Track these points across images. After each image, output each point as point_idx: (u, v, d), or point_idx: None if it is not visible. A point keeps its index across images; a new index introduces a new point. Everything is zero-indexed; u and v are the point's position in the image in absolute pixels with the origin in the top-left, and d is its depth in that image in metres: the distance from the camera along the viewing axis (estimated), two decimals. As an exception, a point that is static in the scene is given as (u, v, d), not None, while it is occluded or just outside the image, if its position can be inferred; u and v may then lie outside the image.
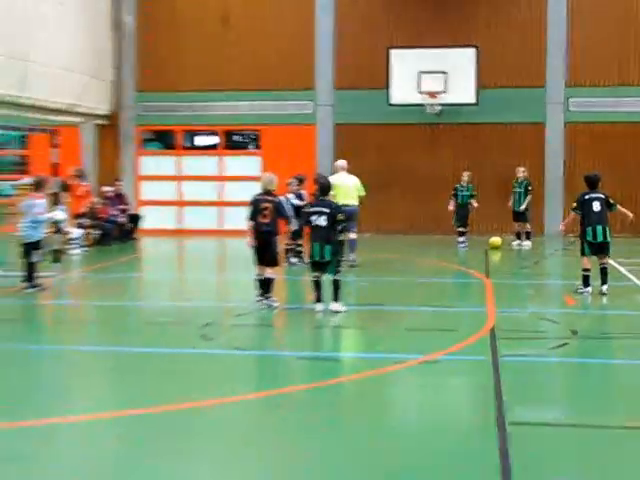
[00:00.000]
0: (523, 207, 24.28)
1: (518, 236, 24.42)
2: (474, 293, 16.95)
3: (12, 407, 9.08)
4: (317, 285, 14.34)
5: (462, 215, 24.91)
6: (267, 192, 15.09)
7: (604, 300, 15.49)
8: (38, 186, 17.27)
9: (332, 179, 20.13)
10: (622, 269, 18.95)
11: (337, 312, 14.00)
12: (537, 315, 14.27)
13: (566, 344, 12.06)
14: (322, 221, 14.08)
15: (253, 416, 8.91)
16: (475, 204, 24.77)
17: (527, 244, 24.17)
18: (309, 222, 14.30)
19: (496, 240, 23.89)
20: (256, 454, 7.59)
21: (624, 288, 16.71)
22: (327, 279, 14.25)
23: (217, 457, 7.54)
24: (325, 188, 14.83)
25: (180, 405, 8.94)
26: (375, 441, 7.94)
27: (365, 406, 9.18)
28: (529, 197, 24.35)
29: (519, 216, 24.48)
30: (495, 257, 22.45)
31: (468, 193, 24.84)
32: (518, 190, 24.49)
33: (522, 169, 24.77)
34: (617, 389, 10.21)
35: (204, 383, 10.15)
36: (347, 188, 19.92)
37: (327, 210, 14.18)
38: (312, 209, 14.44)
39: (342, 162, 21.58)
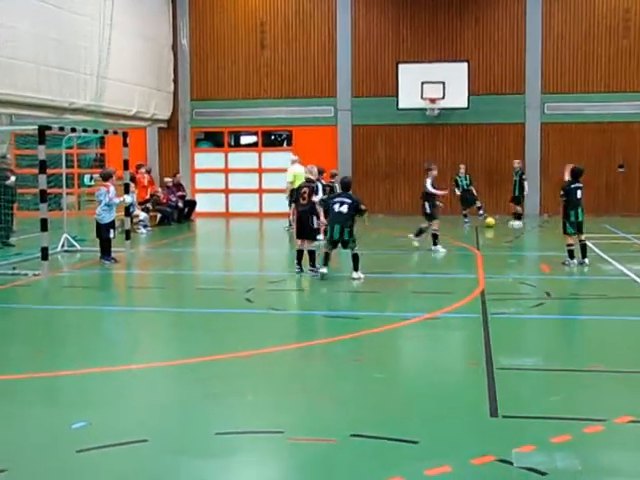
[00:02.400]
0: (517, 192, 23.94)
1: (518, 216, 24.07)
2: (467, 263, 16.92)
3: (91, 357, 9.19)
4: (328, 256, 14.46)
5: (465, 200, 24.74)
6: (308, 180, 15.25)
7: (573, 268, 15.42)
8: (105, 177, 17.42)
9: (291, 169, 22.47)
10: (587, 242, 18.84)
11: (358, 279, 14.13)
12: (518, 280, 14.27)
13: (542, 304, 12.08)
14: (344, 209, 14.18)
15: (288, 363, 8.99)
16: (474, 190, 24.67)
17: (518, 223, 23.72)
18: (331, 209, 14.31)
19: (490, 220, 23.72)
20: (291, 392, 7.67)
21: (589, 258, 16.64)
22: (348, 253, 14.26)
23: (260, 395, 7.60)
24: (347, 184, 14.89)
25: (228, 355, 9.03)
26: (390, 381, 8.00)
27: (381, 354, 9.24)
28: (525, 184, 23.95)
29: (515, 200, 24.17)
30: (486, 234, 22.35)
31: (467, 182, 24.69)
32: (515, 178, 24.17)
33: (517, 161, 24.41)
34: (582, 340, 10.24)
35: (248, 337, 10.21)
36: (301, 176, 21.12)
37: (349, 201, 14.30)
38: (335, 199, 14.51)
39: (296, 157, 23.33)
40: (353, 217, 14.39)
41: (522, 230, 23.10)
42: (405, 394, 7.67)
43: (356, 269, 14.26)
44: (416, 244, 18.20)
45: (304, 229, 15.06)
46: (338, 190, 20.51)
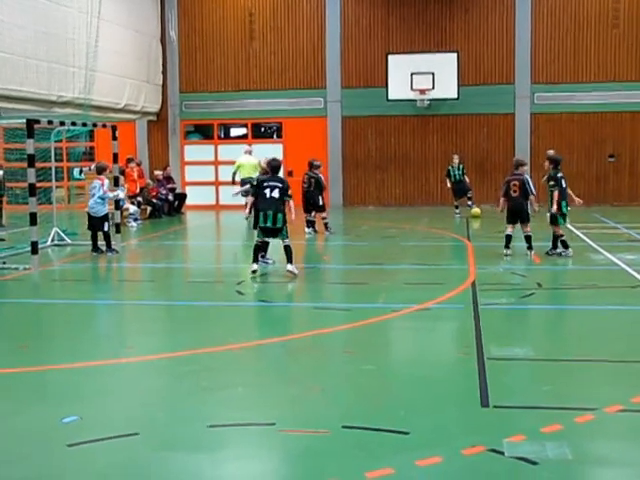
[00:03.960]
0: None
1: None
2: (458, 254, 16.95)
3: (81, 350, 9.17)
4: (258, 249, 13.93)
5: (457, 191, 24.70)
6: (265, 172, 14.89)
7: (563, 258, 15.39)
8: (100, 170, 17.45)
9: (240, 159, 23.63)
10: (578, 232, 18.92)
11: (292, 272, 13.55)
12: (509, 271, 14.28)
13: (533, 294, 12.09)
14: (275, 193, 13.58)
15: (279, 355, 8.99)
16: (467, 180, 24.64)
17: None
18: (263, 194, 13.66)
19: (476, 210, 23.71)
20: (282, 385, 7.67)
21: (579, 247, 16.67)
22: (279, 244, 13.91)
23: (251, 387, 7.60)
24: (277, 168, 14.04)
25: (219, 347, 9.01)
26: (380, 372, 8.01)
27: (372, 345, 9.23)
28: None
29: None
30: (474, 224, 22.38)
31: (460, 172, 24.64)
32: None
33: (551, 150, 23.90)
34: (572, 330, 10.25)
35: (239, 329, 10.21)
36: (249, 166, 23.07)
37: (280, 185, 13.69)
38: (266, 183, 13.78)
39: (247, 148, 24.61)
40: (284, 203, 13.67)
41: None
42: (396, 385, 7.67)
43: (290, 261, 13.60)
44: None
45: None
46: (322, 181, 20.49)
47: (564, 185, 15.50)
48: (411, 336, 10.00)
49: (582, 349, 8.85)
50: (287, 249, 13.67)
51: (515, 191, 15.43)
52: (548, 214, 15.55)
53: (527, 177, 15.80)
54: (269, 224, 13.56)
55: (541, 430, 6.17)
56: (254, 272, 13.71)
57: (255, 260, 13.85)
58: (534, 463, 5.57)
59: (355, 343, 9.43)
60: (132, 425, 6.45)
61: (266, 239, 14.03)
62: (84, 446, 6.01)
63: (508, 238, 15.71)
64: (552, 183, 15.57)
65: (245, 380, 7.84)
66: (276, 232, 13.70)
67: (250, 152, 24.30)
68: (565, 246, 15.50)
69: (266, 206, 13.59)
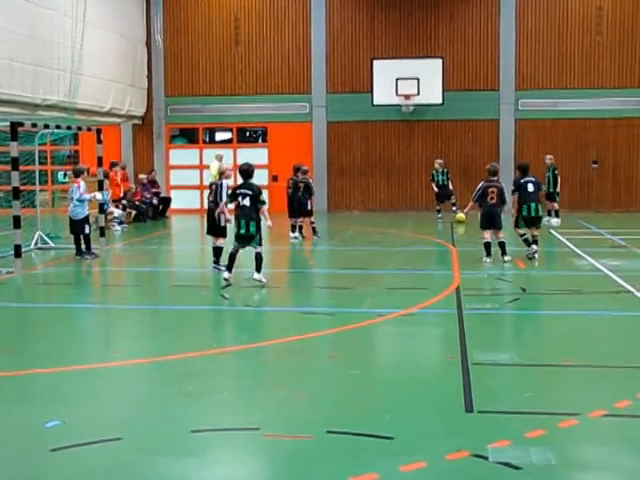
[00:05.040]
0: (552, 188, 22.92)
1: (549, 213, 23.48)
2: (442, 259, 16.96)
3: (64, 355, 9.13)
4: (233, 257, 13.50)
5: (441, 195, 24.76)
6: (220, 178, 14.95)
7: (547, 263, 15.42)
8: (77, 173, 17.44)
9: (211, 164, 23.67)
10: (562, 237, 18.99)
11: (259, 281, 13.21)
12: (494, 276, 14.32)
13: (517, 299, 12.14)
14: (247, 201, 13.19)
15: (264, 359, 8.98)
16: (450, 186, 24.70)
17: (556, 220, 22.91)
18: (237, 202, 13.37)
19: (461, 216, 23.69)
20: (266, 389, 7.65)
21: (563, 253, 16.74)
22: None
23: (235, 392, 7.59)
24: (247, 172, 13.55)
25: (203, 352, 8.99)
26: (365, 377, 8.01)
27: (356, 350, 9.22)
28: (558, 179, 23.18)
29: (549, 196, 23.19)
30: (459, 230, 22.41)
31: (444, 177, 24.70)
32: (547, 175, 23.56)
33: (549, 156, 23.70)
34: (556, 335, 10.27)
35: (223, 334, 10.21)
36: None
37: (250, 192, 13.26)
38: (238, 191, 13.42)
39: (218, 154, 24.69)
40: (257, 210, 13.28)
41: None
42: (380, 390, 7.67)
43: (258, 270, 13.20)
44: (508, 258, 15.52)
45: (214, 225, 14.80)
46: (312, 186, 20.48)
47: (530, 189, 15.64)
48: (396, 341, 10.01)
49: (566, 354, 8.87)
50: (258, 257, 13.27)
51: (492, 198, 15.49)
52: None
53: (503, 185, 15.94)
54: (242, 232, 13.27)
55: (525, 435, 6.18)
56: (227, 280, 13.41)
57: (229, 269, 13.49)
58: (518, 468, 5.59)
59: (340, 348, 9.42)
60: (116, 429, 6.42)
61: (239, 247, 13.58)
62: (69, 450, 5.98)
63: (488, 245, 15.71)
64: (512, 188, 15.89)
65: (230, 385, 7.84)
66: (249, 239, 13.35)
67: (219, 158, 23.92)
68: (528, 244, 15.64)
69: (239, 214, 13.34)
